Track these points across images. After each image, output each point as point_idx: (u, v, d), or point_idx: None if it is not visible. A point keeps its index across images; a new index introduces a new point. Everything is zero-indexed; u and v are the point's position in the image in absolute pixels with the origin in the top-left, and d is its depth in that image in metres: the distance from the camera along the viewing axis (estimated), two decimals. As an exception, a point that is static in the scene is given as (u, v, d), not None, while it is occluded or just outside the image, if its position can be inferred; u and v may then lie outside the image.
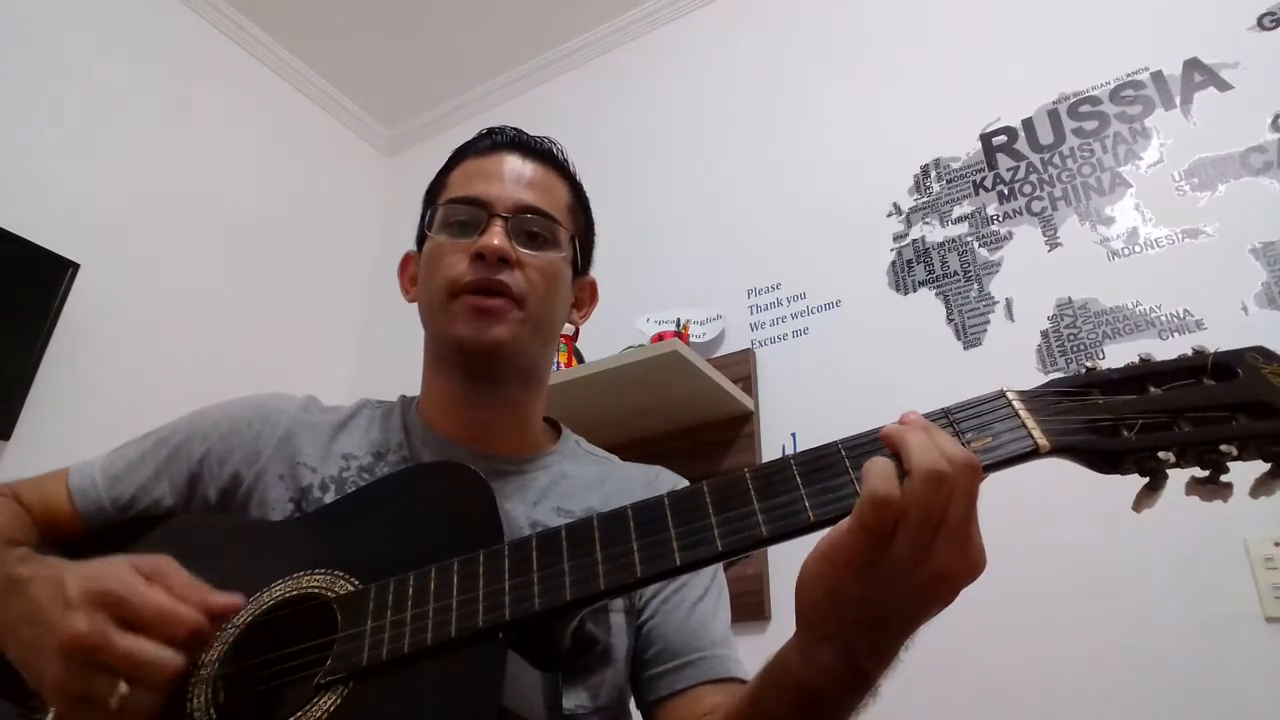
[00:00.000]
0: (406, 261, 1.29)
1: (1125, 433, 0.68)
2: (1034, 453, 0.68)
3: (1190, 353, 0.73)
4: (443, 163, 1.28)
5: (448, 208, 1.18)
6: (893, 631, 0.69)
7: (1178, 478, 0.68)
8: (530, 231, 1.15)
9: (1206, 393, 0.69)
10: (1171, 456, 0.66)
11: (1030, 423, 0.69)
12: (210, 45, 3.38)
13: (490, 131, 1.26)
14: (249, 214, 3.32)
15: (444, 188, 1.22)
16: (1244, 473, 0.67)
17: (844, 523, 0.68)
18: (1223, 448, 0.65)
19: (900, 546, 0.65)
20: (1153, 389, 0.71)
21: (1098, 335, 2.07)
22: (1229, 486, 0.67)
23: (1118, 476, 0.70)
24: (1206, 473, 0.67)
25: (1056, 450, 0.68)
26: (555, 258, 1.17)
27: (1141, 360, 0.73)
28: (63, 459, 1.15)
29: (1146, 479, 0.68)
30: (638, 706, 1.12)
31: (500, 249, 1.10)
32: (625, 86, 3.46)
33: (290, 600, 0.89)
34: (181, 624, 0.78)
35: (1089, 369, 0.74)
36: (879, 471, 0.66)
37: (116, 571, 0.81)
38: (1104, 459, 0.68)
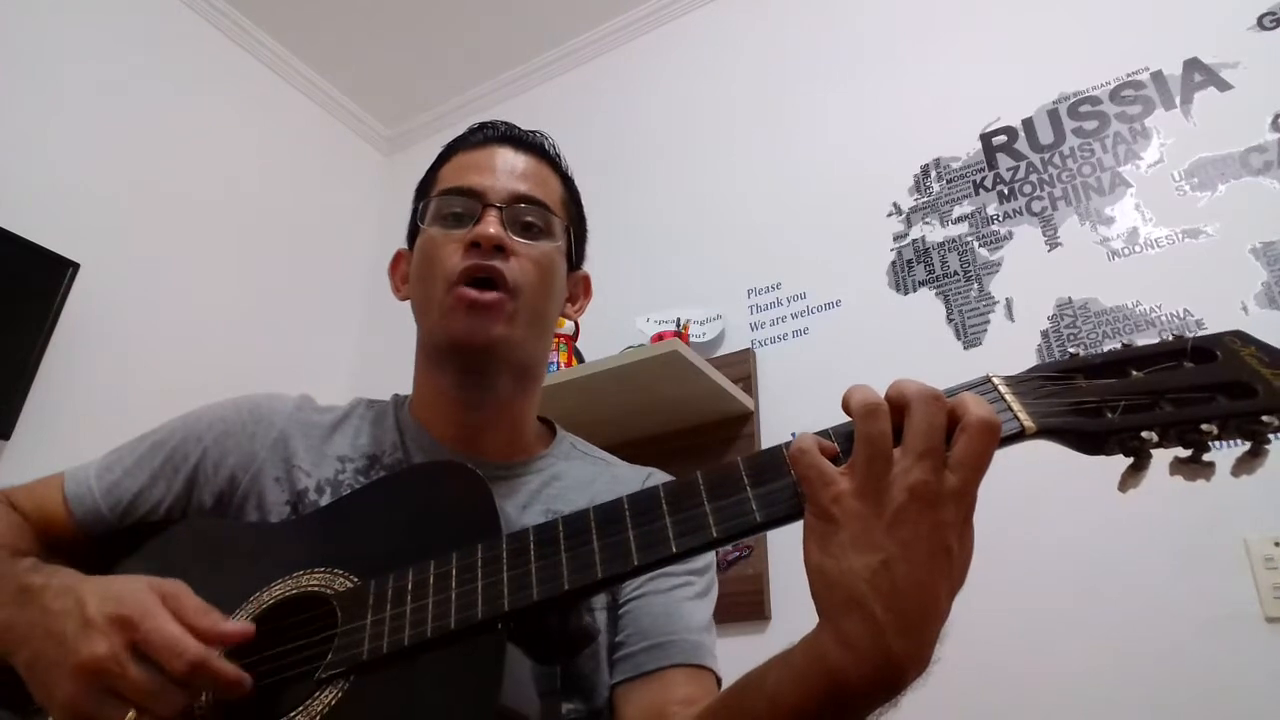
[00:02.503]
0: (398, 259, 1.29)
1: (1109, 414, 0.68)
2: (1020, 434, 0.68)
3: (1170, 338, 0.74)
4: (436, 156, 1.28)
5: (441, 199, 1.17)
6: (904, 579, 0.65)
7: (1162, 466, 0.69)
8: (525, 221, 1.15)
9: (1187, 375, 0.70)
10: (1154, 436, 0.66)
11: (1016, 406, 0.70)
12: (210, 45, 3.39)
13: (482, 126, 1.26)
14: (249, 214, 3.33)
15: (436, 182, 1.22)
16: (1228, 456, 0.67)
17: None
18: (1203, 427, 0.66)
19: (860, 479, 0.66)
20: (1134, 372, 0.71)
21: (1098, 335, 2.07)
22: (1211, 465, 0.67)
23: (1117, 474, 0.69)
24: (1189, 452, 0.68)
25: (1042, 431, 0.69)
26: (550, 248, 1.16)
27: (1123, 346, 0.74)
28: (63, 459, 1.15)
29: (1131, 459, 0.68)
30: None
31: (496, 237, 1.09)
32: (625, 86, 3.46)
33: (290, 599, 0.90)
34: (182, 656, 0.76)
35: (1072, 354, 0.74)
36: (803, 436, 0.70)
37: (135, 595, 0.81)
38: (1088, 440, 0.68)
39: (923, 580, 0.65)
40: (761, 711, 0.75)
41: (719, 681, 1.06)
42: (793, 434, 2.11)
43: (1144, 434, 0.66)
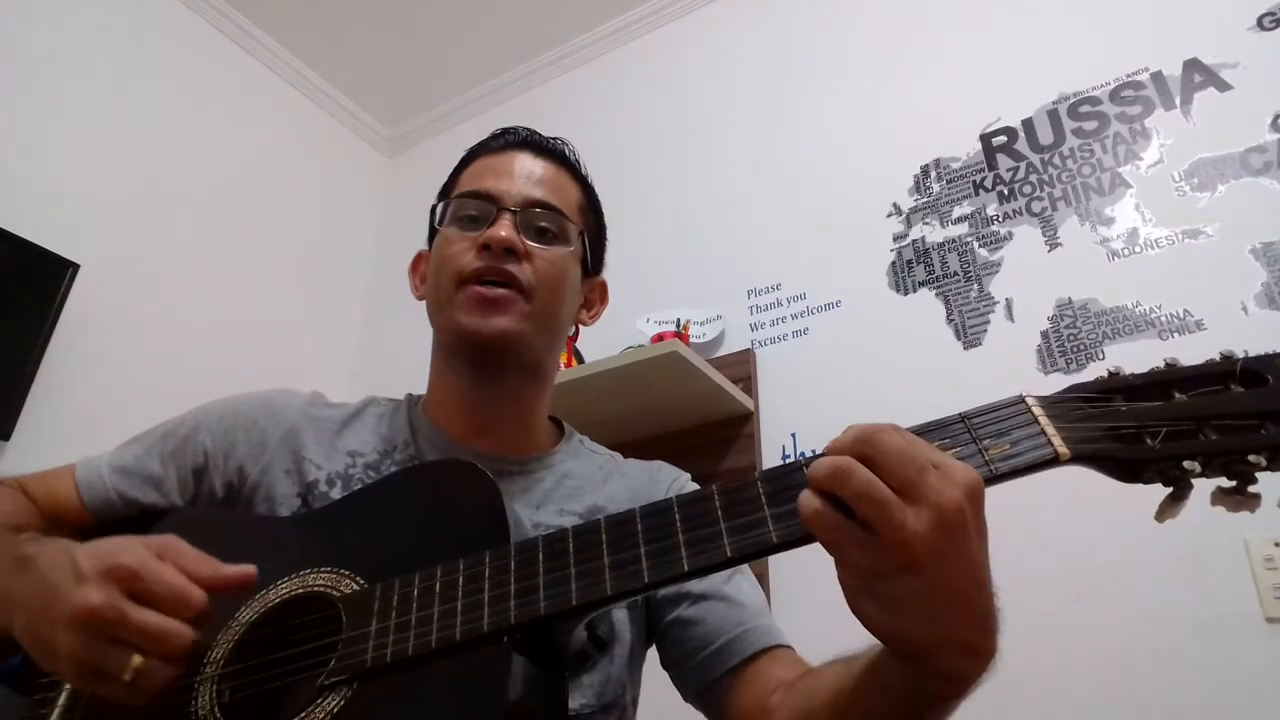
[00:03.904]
0: (418, 260, 1.30)
1: (1149, 441, 0.66)
2: (1053, 460, 0.66)
3: (1218, 357, 0.70)
4: (442, 162, 1.30)
5: (458, 202, 1.18)
6: (969, 593, 0.65)
7: (1201, 487, 0.66)
8: (539, 226, 1.16)
9: (1234, 400, 0.67)
10: (1197, 466, 0.64)
11: (1050, 430, 0.67)
12: (211, 46, 3.38)
13: (504, 131, 1.27)
14: (249, 214, 3.32)
15: (456, 185, 1.23)
16: (1271, 482, 0.66)
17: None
18: (1251, 458, 0.63)
19: (884, 537, 0.62)
20: (1178, 395, 0.69)
21: (1098, 335, 2.07)
22: (1257, 497, 0.65)
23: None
24: (1233, 483, 0.65)
25: (1077, 459, 0.66)
26: (563, 253, 1.17)
27: (1167, 365, 0.71)
28: (63, 459, 1.15)
29: (1170, 489, 0.67)
30: (690, 698, 1.10)
31: (507, 240, 1.10)
32: (626, 86, 3.46)
33: (296, 598, 0.90)
34: (188, 602, 0.78)
35: (1112, 373, 0.72)
36: (803, 501, 0.65)
37: (129, 547, 0.81)
38: (1126, 468, 0.66)
39: (979, 580, 0.66)
40: None
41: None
42: (793, 434, 2.11)
43: (1186, 464, 0.64)
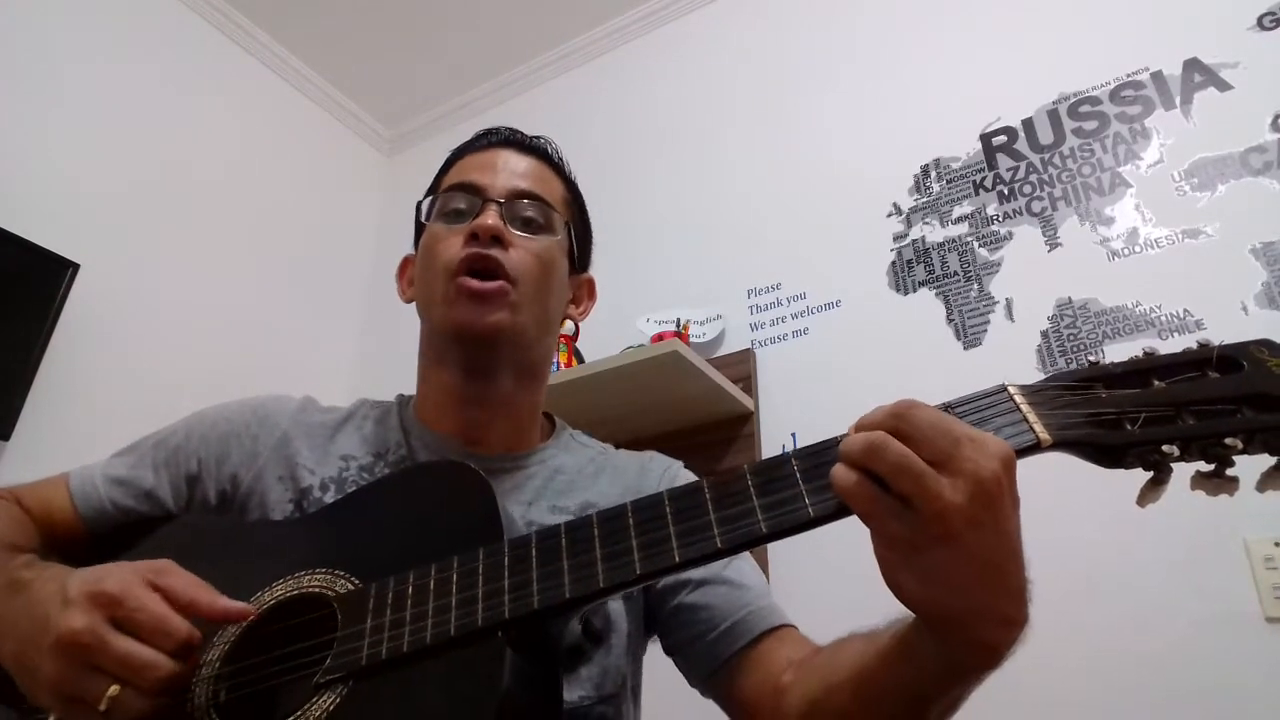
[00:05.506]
0: (405, 265, 1.30)
1: (1128, 426, 0.67)
2: (1035, 447, 0.67)
3: (1194, 346, 0.72)
4: (442, 162, 1.30)
5: (444, 196, 1.19)
6: (1004, 563, 0.66)
7: (1182, 474, 0.67)
8: (525, 217, 1.16)
9: (1211, 385, 0.68)
10: (1175, 450, 0.65)
11: (1031, 416, 0.68)
12: (211, 46, 3.39)
13: (487, 131, 1.28)
14: (249, 214, 3.32)
15: (440, 184, 1.24)
16: (1250, 467, 0.66)
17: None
18: (1228, 441, 0.64)
19: (921, 507, 0.63)
20: (1156, 382, 0.70)
21: (1098, 335, 2.07)
22: (1235, 480, 0.66)
23: (1120, 474, 0.69)
24: (1211, 466, 0.66)
25: (1058, 444, 0.67)
26: (550, 242, 1.17)
27: (1145, 354, 0.72)
28: (63, 459, 1.16)
29: (1150, 473, 0.67)
30: (696, 682, 1.10)
31: (494, 228, 1.10)
32: (625, 86, 3.46)
33: (291, 600, 0.90)
34: (169, 632, 0.78)
35: (1092, 362, 0.73)
36: (840, 476, 0.66)
37: (118, 574, 0.81)
38: (1107, 452, 0.67)
39: (1013, 550, 0.67)
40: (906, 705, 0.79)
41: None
42: (793, 434, 2.11)
43: (1165, 448, 0.65)
